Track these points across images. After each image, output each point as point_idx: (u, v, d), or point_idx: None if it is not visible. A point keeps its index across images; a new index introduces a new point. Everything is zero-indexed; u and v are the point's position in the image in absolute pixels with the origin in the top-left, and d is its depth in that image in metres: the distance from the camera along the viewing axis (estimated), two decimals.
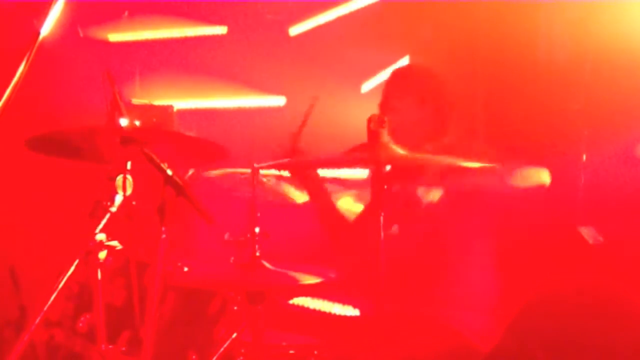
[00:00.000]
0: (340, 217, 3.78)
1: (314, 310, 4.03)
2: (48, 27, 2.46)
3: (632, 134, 3.82)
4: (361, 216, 3.76)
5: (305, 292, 3.96)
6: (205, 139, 3.18)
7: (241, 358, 3.10)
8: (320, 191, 3.76)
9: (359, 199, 4.19)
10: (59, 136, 2.98)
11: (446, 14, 4.40)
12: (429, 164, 3.08)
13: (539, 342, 3.22)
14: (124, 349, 3.01)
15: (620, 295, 3.35)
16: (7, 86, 2.36)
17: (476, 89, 4.49)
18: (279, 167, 3.60)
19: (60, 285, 2.77)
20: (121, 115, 2.86)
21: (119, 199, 2.84)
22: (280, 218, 3.53)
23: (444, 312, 3.41)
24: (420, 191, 3.54)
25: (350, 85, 3.84)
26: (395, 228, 3.54)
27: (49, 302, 2.75)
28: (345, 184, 4.33)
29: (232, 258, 3.33)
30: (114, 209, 2.84)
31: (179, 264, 3.14)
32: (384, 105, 3.65)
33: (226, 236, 3.44)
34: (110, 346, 2.91)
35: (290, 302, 4.02)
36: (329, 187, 3.97)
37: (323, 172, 4.11)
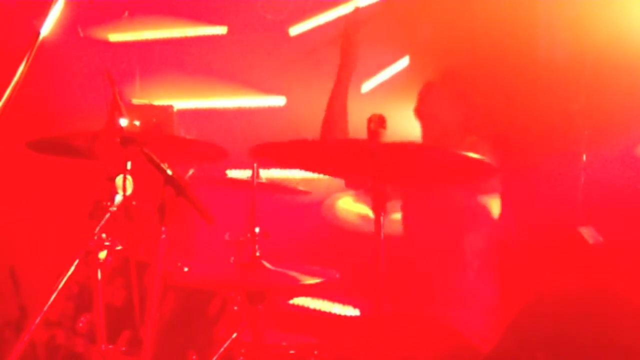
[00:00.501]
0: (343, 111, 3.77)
1: (314, 310, 4.04)
2: (48, 27, 2.45)
3: (632, 134, 3.82)
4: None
5: (305, 292, 3.97)
6: (204, 141, 3.18)
7: (241, 358, 3.10)
8: (351, 63, 3.76)
9: (359, 199, 4.20)
10: (61, 140, 2.99)
11: (446, 13, 4.40)
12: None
13: (539, 342, 3.21)
14: (124, 349, 3.01)
15: (620, 295, 3.35)
16: (7, 86, 2.36)
17: (476, 89, 4.49)
18: (279, 165, 3.60)
19: (60, 285, 2.78)
20: (121, 115, 2.86)
21: (119, 199, 2.84)
22: (280, 218, 3.53)
23: (444, 312, 3.41)
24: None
25: (351, 85, 3.84)
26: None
27: (49, 302, 2.75)
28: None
29: (232, 258, 3.34)
30: (114, 209, 2.84)
31: (179, 264, 3.14)
32: (420, 112, 3.70)
33: (226, 236, 3.45)
34: (110, 346, 2.91)
35: (290, 302, 4.03)
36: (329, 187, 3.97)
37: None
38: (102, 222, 2.82)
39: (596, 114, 3.96)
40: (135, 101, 4.74)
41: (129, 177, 2.84)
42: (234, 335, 3.04)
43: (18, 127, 2.79)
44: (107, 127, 2.87)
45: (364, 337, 2.97)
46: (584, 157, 3.96)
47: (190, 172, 3.81)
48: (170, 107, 4.69)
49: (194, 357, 3.06)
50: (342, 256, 3.82)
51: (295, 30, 4.92)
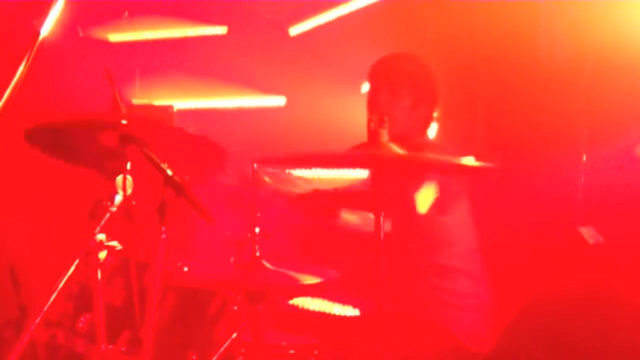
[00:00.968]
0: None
1: (314, 311, 4.03)
2: (48, 27, 2.45)
3: (632, 134, 3.82)
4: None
5: (305, 292, 3.96)
6: (203, 137, 3.17)
7: (241, 358, 3.10)
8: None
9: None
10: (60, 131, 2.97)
11: (446, 13, 4.40)
12: (429, 162, 3.07)
13: (538, 342, 3.21)
14: (124, 349, 3.01)
15: (620, 295, 3.35)
16: (7, 86, 2.36)
17: (476, 89, 4.50)
18: (279, 164, 3.59)
19: (60, 285, 2.77)
20: (121, 115, 2.86)
21: (119, 199, 2.84)
22: (280, 218, 3.53)
23: (442, 313, 3.41)
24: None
25: (350, 85, 3.84)
26: (388, 227, 3.54)
27: (49, 302, 2.75)
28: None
29: (232, 258, 3.34)
30: (114, 209, 2.83)
31: (179, 264, 3.14)
32: (371, 103, 3.62)
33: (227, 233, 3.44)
34: (110, 346, 2.91)
35: (290, 302, 4.02)
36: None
37: (323, 172, 4.11)
38: (102, 222, 2.82)
39: (596, 114, 3.96)
40: (135, 101, 4.73)
41: (129, 177, 2.84)
42: (234, 335, 3.04)
43: (18, 127, 2.78)
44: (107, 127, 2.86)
45: (363, 337, 2.97)
46: (584, 157, 3.97)
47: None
48: (170, 107, 4.68)
49: (194, 357, 3.06)
50: (342, 256, 3.81)
51: (295, 30, 4.92)
